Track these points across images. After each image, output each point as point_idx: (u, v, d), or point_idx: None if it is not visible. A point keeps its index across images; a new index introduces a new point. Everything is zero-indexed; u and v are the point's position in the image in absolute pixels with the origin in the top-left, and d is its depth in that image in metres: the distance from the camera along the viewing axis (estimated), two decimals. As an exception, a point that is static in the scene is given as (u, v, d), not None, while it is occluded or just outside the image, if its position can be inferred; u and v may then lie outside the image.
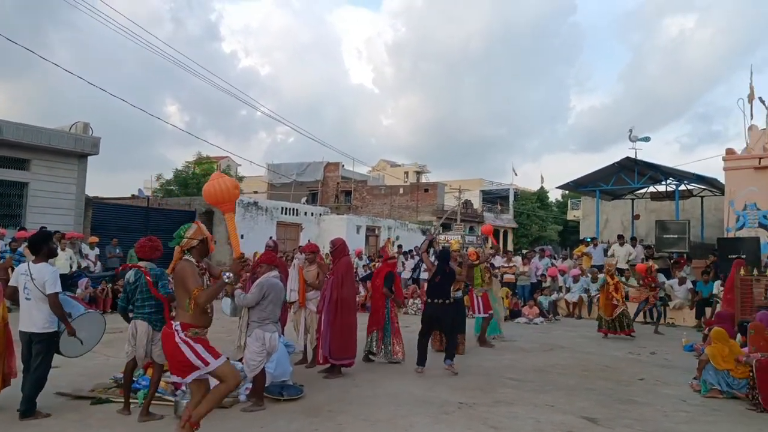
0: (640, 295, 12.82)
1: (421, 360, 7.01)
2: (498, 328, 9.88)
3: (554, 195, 50.82)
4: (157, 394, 5.31)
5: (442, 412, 5.30)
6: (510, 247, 44.87)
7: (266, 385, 5.68)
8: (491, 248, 12.02)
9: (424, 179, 52.64)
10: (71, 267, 13.42)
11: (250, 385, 5.56)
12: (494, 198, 48.73)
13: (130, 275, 5.10)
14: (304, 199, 40.64)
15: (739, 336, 7.44)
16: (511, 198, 47.34)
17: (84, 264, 14.52)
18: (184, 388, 5.12)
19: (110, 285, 14.10)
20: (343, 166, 44.26)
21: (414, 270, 16.93)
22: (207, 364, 3.91)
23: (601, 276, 11.36)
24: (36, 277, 4.74)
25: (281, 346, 6.17)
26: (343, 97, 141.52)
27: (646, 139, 18.01)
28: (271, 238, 7.83)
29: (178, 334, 3.85)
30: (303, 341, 7.38)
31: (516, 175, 50.82)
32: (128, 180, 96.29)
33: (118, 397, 5.28)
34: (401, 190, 42.41)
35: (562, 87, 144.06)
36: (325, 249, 17.98)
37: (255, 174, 46.69)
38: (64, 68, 56.73)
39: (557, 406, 5.58)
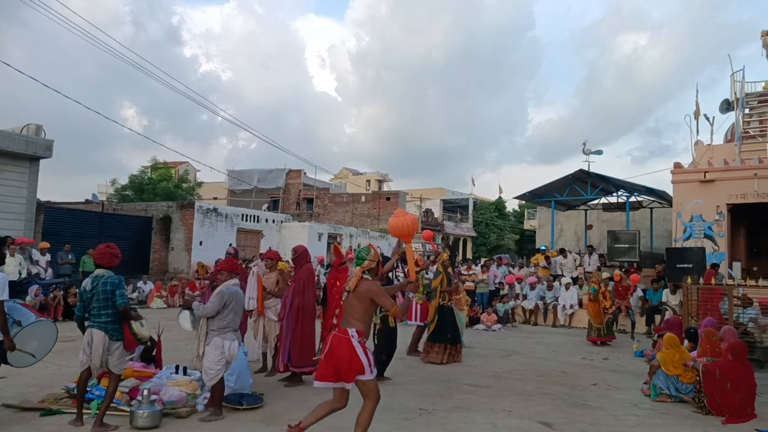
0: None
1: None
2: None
3: (512, 205, 51.91)
4: (112, 404, 5.19)
5: (403, 418, 5.36)
6: (469, 255, 45.55)
7: (226, 395, 5.62)
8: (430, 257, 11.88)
9: (386, 188, 52.89)
10: (20, 273, 12.89)
11: (208, 395, 5.48)
12: (454, 207, 49.41)
13: (87, 283, 4.96)
14: (265, 206, 40.21)
15: (686, 341, 7.80)
16: (471, 207, 48.09)
17: (34, 270, 13.98)
18: (139, 398, 5.01)
19: (62, 292, 13.64)
20: (305, 173, 44.08)
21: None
22: (372, 372, 4.21)
23: (592, 286, 11.60)
24: None
25: (243, 358, 6.12)
26: (306, 104, 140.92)
27: (599, 153, 18.69)
28: (231, 245, 7.76)
29: (354, 339, 4.11)
30: (261, 349, 7.33)
31: (474, 185, 51.65)
32: (83, 184, 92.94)
33: (70, 408, 5.11)
34: (363, 198, 42.50)
35: (521, 100, 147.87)
36: (286, 256, 17.97)
37: (215, 180, 45.95)
38: (16, 68, 54.48)
39: (514, 411, 5.72)
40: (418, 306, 8.90)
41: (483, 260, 20.82)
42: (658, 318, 12.66)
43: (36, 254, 14.60)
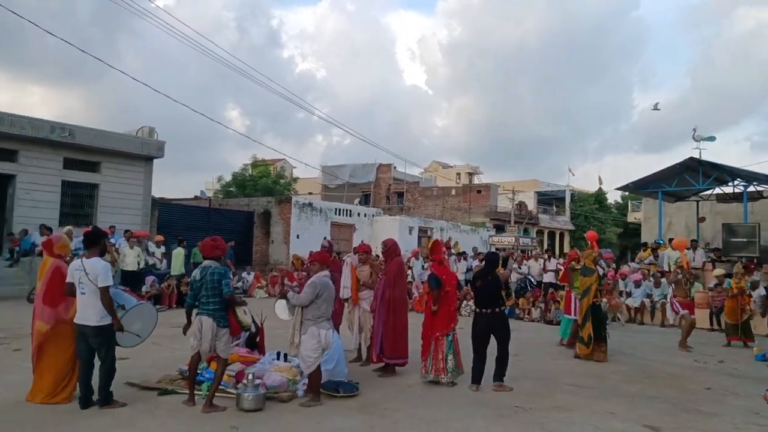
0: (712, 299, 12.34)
1: (476, 377, 6.29)
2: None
3: (613, 196, 49.20)
4: (220, 387, 5.54)
5: (498, 414, 5.26)
6: (566, 249, 43.77)
7: (322, 382, 5.81)
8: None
9: (476, 180, 52.13)
10: (139, 264, 14.09)
11: (307, 381, 5.70)
12: (550, 199, 47.66)
13: (196, 273, 5.32)
14: (356, 201, 41.10)
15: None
16: (567, 199, 46.13)
17: (151, 261, 15.21)
18: (245, 381, 5.30)
19: (175, 282, 14.74)
20: (395, 167, 44.47)
21: (467, 272, 16.83)
22: None
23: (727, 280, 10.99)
24: (89, 272, 4.90)
25: (340, 346, 6.29)
26: (397, 98, 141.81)
27: (711, 139, 17.16)
28: (326, 238, 7.99)
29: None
30: (357, 340, 7.50)
31: (573, 175, 49.45)
32: (191, 181, 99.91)
33: (183, 389, 5.52)
34: (453, 192, 42.18)
35: (625, 84, 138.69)
36: (377, 249, 18.27)
37: (310, 176, 47.64)
38: (132, 76, 59.63)
39: (618, 414, 5.43)
40: (577, 300, 8.81)
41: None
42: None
43: (152, 246, 15.89)
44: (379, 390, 6.07)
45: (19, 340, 7.71)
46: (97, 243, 5.26)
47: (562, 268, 14.64)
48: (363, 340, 7.42)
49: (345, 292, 7.34)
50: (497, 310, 6.43)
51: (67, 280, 5.07)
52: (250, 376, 5.30)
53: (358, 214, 23.72)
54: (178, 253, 15.84)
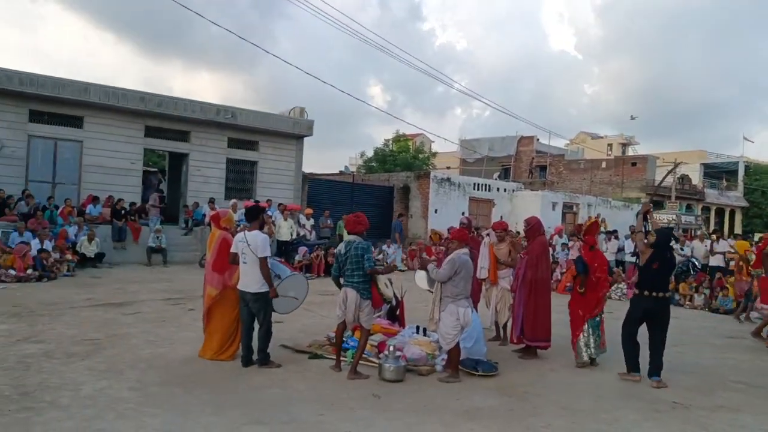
0: None
1: (635, 365, 5.82)
2: None
3: (801, 168, 42.34)
4: (363, 356, 5.81)
5: (653, 410, 4.86)
6: (737, 228, 38.77)
7: (462, 359, 5.82)
8: None
9: (630, 152, 48.00)
10: (292, 235, 15.24)
11: (445, 356, 5.74)
12: (719, 172, 42.35)
13: (341, 247, 5.58)
14: (496, 175, 40.08)
15: None
16: (741, 171, 40.62)
17: (302, 233, 16.37)
18: (386, 352, 5.50)
19: (323, 252, 15.70)
20: (538, 140, 42.48)
21: (618, 252, 15.68)
22: None
23: None
24: (251, 243, 5.35)
25: (479, 325, 6.25)
26: (542, 66, 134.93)
27: None
28: (464, 214, 7.91)
29: None
30: (494, 318, 7.38)
31: (752, 142, 43.26)
32: (338, 157, 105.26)
33: (330, 354, 5.89)
34: (603, 164, 39.27)
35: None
36: (517, 226, 17.82)
37: (448, 150, 47.44)
38: (282, 59, 63.57)
39: (801, 421, 4.73)
40: None
41: (758, 236, 17.46)
42: None
43: (302, 219, 17.06)
44: (519, 372, 5.93)
45: (192, 300, 8.75)
46: (257, 217, 5.74)
47: (751, 252, 13.01)
48: (500, 319, 7.29)
49: (482, 273, 7.23)
50: (666, 294, 5.86)
51: (232, 250, 5.60)
52: (391, 348, 5.48)
53: (498, 189, 23.15)
54: (340, 225, 17.18)
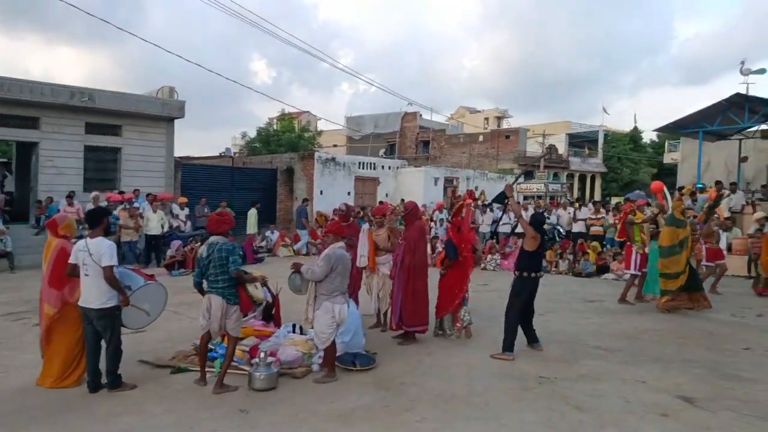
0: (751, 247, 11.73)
1: (512, 346, 5.98)
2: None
3: (649, 135, 47.29)
4: (233, 364, 5.42)
5: (522, 387, 5.01)
6: (597, 193, 42.60)
7: (339, 354, 5.64)
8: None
9: (505, 125, 50.62)
10: (163, 227, 14.16)
11: (323, 353, 5.53)
12: (582, 142, 46.06)
13: (203, 250, 5.10)
14: (382, 151, 40.51)
15: None
16: (601, 140, 44.48)
17: (175, 224, 15.28)
18: (257, 360, 5.16)
19: (199, 244, 14.78)
20: (420, 115, 43.42)
21: (493, 224, 16.39)
22: None
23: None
24: (93, 252, 4.73)
25: (357, 316, 6.10)
26: (425, 42, 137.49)
27: (761, 72, 15.92)
28: (343, 203, 7.63)
29: None
30: (376, 305, 7.30)
31: (607, 114, 47.54)
32: (221, 137, 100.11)
33: (196, 366, 5.39)
34: (481, 138, 41.06)
35: (665, 13, 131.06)
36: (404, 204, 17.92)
37: (335, 128, 47.01)
38: (147, 40, 58.78)
39: (649, 382, 5.12)
40: (638, 255, 8.99)
41: (615, 202, 19.11)
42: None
43: (176, 209, 15.94)
44: (397, 361, 5.87)
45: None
46: (100, 222, 5.06)
47: (609, 219, 14.10)
48: (381, 307, 7.22)
49: (362, 261, 7.09)
50: (541, 274, 6.29)
51: (70, 261, 4.91)
52: (262, 354, 5.15)
53: (383, 167, 23.26)
54: (252, 213, 16.99)
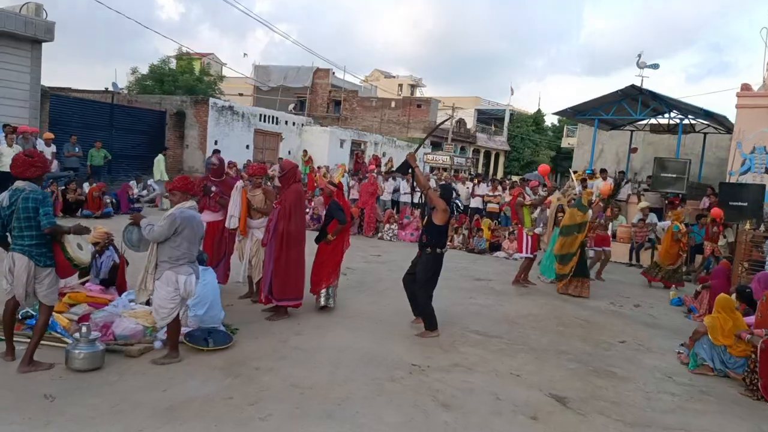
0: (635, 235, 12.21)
1: (436, 321, 5.81)
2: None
3: (551, 119, 49.22)
4: (58, 335, 4.48)
5: (389, 378, 4.51)
6: (500, 170, 43.91)
7: (190, 330, 4.85)
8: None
9: (418, 94, 50.44)
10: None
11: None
12: (489, 119, 47.05)
13: (4, 198, 4.03)
14: (291, 106, 38.72)
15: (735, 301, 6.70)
16: (506, 119, 45.66)
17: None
18: (77, 335, 4.25)
19: (62, 188, 13.10)
20: (333, 73, 41.98)
21: (394, 192, 15.99)
22: None
23: (664, 223, 11.07)
24: None
25: (215, 287, 5.31)
26: (345, 0, 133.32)
27: (655, 66, 16.54)
28: (215, 154, 6.62)
29: None
30: (247, 272, 6.54)
31: (512, 94, 48.68)
32: (107, 72, 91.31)
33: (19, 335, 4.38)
34: (393, 104, 40.48)
35: (576, 3, 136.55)
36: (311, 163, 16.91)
37: (241, 75, 44.28)
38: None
39: (523, 376, 4.82)
40: (529, 238, 8.78)
41: (513, 179, 19.42)
42: (699, 259, 11.49)
43: (41, 144, 13.91)
44: (258, 339, 5.18)
45: None
46: None
47: (505, 197, 14.10)
48: (253, 275, 6.47)
49: (232, 222, 6.25)
50: (446, 249, 6.00)
51: None
52: (84, 329, 4.22)
53: (286, 122, 22.01)
54: (159, 160, 15.62)
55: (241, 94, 40.99)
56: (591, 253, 9.99)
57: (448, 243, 12.89)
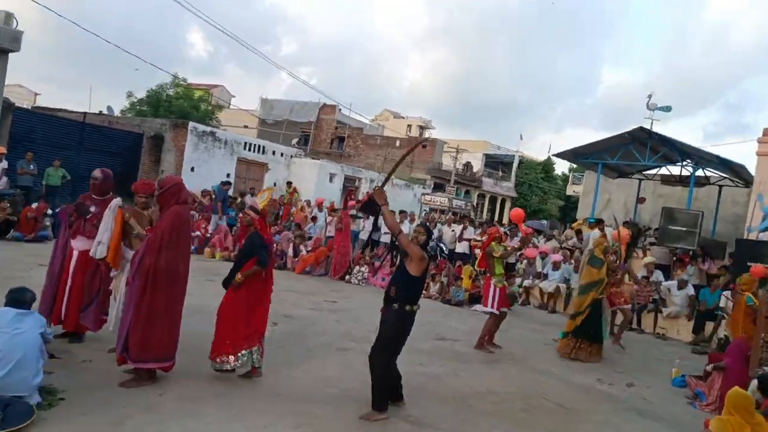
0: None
1: (386, 401, 4.49)
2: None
3: (561, 168, 47.97)
4: None
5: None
6: (506, 216, 42.42)
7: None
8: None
9: (427, 135, 49.64)
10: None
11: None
12: (497, 163, 45.91)
13: None
14: (294, 141, 37.99)
15: (753, 392, 5.09)
16: (515, 165, 44.47)
17: (-12, 178, 12.32)
18: None
19: (8, 205, 11.89)
20: (340, 110, 41.38)
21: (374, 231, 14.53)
22: None
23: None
24: None
25: (34, 339, 3.88)
26: (369, 44, 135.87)
27: (667, 109, 15.23)
28: (99, 170, 5.24)
29: None
30: (117, 317, 5.08)
31: (522, 139, 47.72)
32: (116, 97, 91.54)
33: None
34: (398, 143, 39.57)
35: (596, 58, 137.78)
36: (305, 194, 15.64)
37: (246, 107, 43.86)
38: None
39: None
40: (497, 290, 7.30)
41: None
42: (709, 327, 9.84)
43: (-9, 160, 12.86)
44: (84, 417, 3.70)
45: None
46: None
47: (479, 239, 12.64)
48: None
49: (99, 250, 4.84)
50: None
51: None
52: None
53: (274, 153, 20.91)
54: None
55: (246, 126, 40.43)
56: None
57: (423, 291, 11.47)
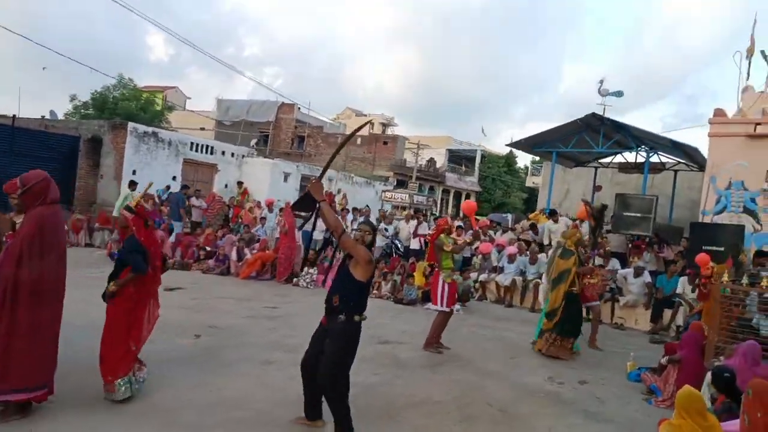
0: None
1: (351, 426, 3.88)
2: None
3: (523, 161, 48.17)
4: None
5: None
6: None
7: None
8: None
9: (389, 132, 49.18)
10: None
11: None
12: (461, 159, 45.72)
13: None
14: (253, 142, 36.92)
15: (708, 386, 4.70)
16: (478, 160, 44.38)
17: None
18: None
19: None
20: (299, 108, 40.54)
21: (326, 230, 13.92)
22: None
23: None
24: None
25: None
26: (334, 44, 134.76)
27: (619, 94, 15.00)
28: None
29: None
30: None
31: (485, 135, 47.69)
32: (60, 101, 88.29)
33: None
34: (359, 141, 38.96)
35: (557, 55, 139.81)
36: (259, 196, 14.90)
37: (203, 110, 42.62)
38: None
39: None
40: (447, 285, 6.79)
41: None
42: (667, 314, 9.59)
43: None
44: None
45: None
46: None
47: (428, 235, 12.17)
48: None
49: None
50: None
51: None
52: None
53: (223, 153, 20.01)
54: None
55: (203, 128, 39.19)
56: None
57: (374, 291, 10.92)
